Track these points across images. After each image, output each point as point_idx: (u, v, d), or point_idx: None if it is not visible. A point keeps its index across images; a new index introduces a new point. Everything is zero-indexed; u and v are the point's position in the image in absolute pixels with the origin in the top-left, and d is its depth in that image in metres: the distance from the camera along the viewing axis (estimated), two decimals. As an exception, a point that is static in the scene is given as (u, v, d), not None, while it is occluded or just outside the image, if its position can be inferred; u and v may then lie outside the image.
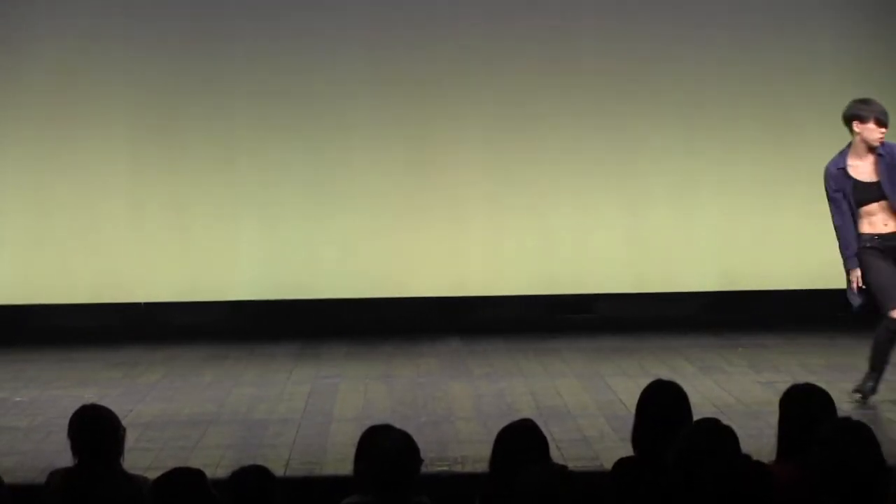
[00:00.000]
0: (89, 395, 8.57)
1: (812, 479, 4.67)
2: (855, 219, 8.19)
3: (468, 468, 6.92)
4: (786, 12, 11.72)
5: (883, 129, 8.14)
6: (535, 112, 11.56)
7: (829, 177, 8.22)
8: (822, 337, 10.96)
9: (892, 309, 8.06)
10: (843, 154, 8.23)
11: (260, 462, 5.30)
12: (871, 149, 8.17)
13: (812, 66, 11.66)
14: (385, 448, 5.02)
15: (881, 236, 8.19)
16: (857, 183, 8.17)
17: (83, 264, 11.48)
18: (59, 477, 5.65)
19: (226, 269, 11.58)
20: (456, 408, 8.73)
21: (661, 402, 5.51)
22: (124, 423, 5.65)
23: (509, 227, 11.56)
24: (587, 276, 11.61)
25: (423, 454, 5.06)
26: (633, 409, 5.53)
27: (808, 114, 11.52)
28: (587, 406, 8.60)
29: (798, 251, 11.58)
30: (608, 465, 5.77)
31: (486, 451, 5.41)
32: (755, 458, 4.77)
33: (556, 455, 5.55)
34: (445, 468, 6.97)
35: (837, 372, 9.32)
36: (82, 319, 11.57)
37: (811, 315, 11.53)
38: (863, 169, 8.19)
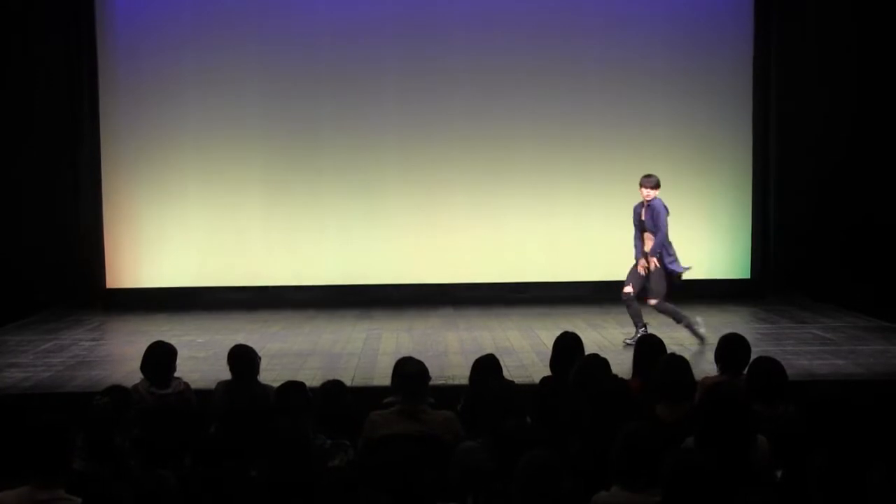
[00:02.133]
0: (239, 338, 8.62)
1: (653, 388, 4.72)
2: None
3: (457, 382, 6.90)
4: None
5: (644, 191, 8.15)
6: (516, 147, 11.22)
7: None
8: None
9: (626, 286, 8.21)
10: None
11: (337, 378, 5.31)
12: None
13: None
14: (409, 370, 5.05)
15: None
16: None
17: (235, 260, 11.41)
18: (223, 386, 5.69)
19: (317, 264, 11.51)
20: (449, 347, 8.71)
21: (567, 344, 5.55)
22: (260, 354, 5.67)
23: (483, 241, 11.50)
24: (524, 271, 11.52)
25: (430, 373, 5.07)
26: (549, 348, 5.55)
27: (658, 161, 11.39)
28: (524, 347, 8.59)
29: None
30: (536, 381, 5.78)
31: (466, 372, 5.43)
32: (619, 376, 4.80)
33: (507, 374, 5.54)
34: (443, 382, 6.95)
35: (667, 327, 9.33)
36: (235, 295, 11.46)
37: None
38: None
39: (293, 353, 8.44)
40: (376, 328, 9.88)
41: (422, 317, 10.61)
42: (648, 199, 8.21)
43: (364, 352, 8.49)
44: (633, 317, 8.41)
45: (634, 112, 11.36)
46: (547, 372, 5.65)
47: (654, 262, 8.24)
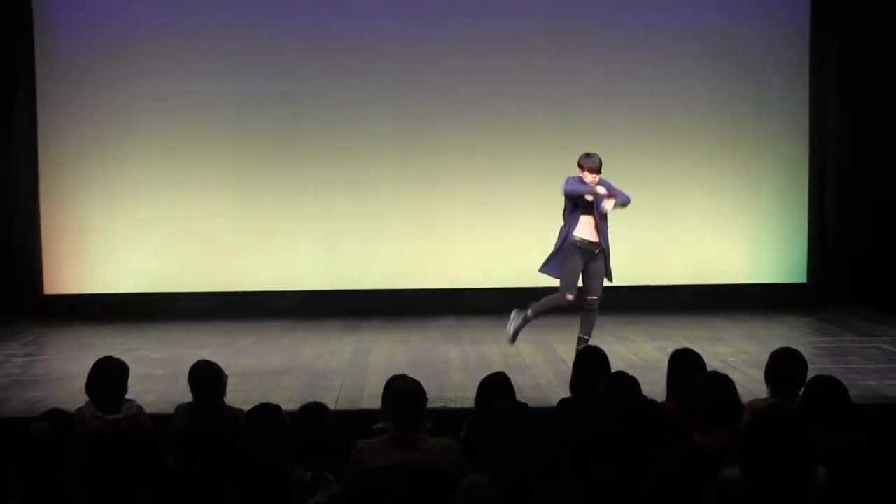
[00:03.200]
0: (203, 354, 8.59)
1: (690, 412, 4.68)
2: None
3: (459, 405, 6.91)
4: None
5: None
6: (518, 142, 11.30)
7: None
8: (698, 318, 10.93)
9: (566, 293, 8.15)
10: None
11: (318, 400, 5.28)
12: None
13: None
14: (402, 390, 5.01)
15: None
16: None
17: (200, 264, 11.44)
18: (183, 409, 5.65)
19: (296, 268, 11.54)
20: (451, 364, 8.73)
21: (590, 360, 5.52)
22: (227, 372, 5.65)
23: (490, 243, 11.52)
24: (538, 274, 11.53)
25: (428, 395, 5.04)
26: (570, 365, 5.53)
27: (692, 152, 11.40)
28: (539, 363, 8.60)
29: (685, 253, 11.51)
30: (554, 403, 5.76)
31: (471, 393, 5.41)
32: (651, 397, 4.78)
33: (519, 396, 5.53)
34: (443, 405, 6.96)
35: (707, 341, 9.33)
36: (199, 303, 11.52)
37: (695, 304, 11.52)
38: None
39: (267, 370, 8.45)
40: (365, 341, 9.88)
41: (418, 328, 10.64)
42: (592, 181, 8.07)
43: (351, 369, 8.49)
44: (589, 327, 8.33)
45: (669, 96, 11.43)
46: (566, 393, 5.62)
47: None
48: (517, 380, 7.21)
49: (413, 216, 11.47)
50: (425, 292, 11.55)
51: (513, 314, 8.55)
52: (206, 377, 5.61)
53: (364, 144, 11.40)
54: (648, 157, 11.41)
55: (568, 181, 8.11)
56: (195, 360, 5.74)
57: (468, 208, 11.46)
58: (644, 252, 11.50)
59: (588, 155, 8.18)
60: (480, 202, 11.45)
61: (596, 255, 8.29)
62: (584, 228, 8.22)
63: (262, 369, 8.47)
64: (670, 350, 5.46)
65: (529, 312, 8.48)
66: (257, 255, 11.43)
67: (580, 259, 8.25)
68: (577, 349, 8.16)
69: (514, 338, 8.51)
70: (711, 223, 11.53)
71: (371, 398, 7.07)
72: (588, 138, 11.31)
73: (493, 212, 11.42)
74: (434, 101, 11.43)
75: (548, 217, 11.49)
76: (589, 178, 8.15)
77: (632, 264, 11.48)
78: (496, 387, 5.31)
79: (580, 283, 8.33)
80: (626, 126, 11.43)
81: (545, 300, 8.40)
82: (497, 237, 11.51)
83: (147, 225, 11.32)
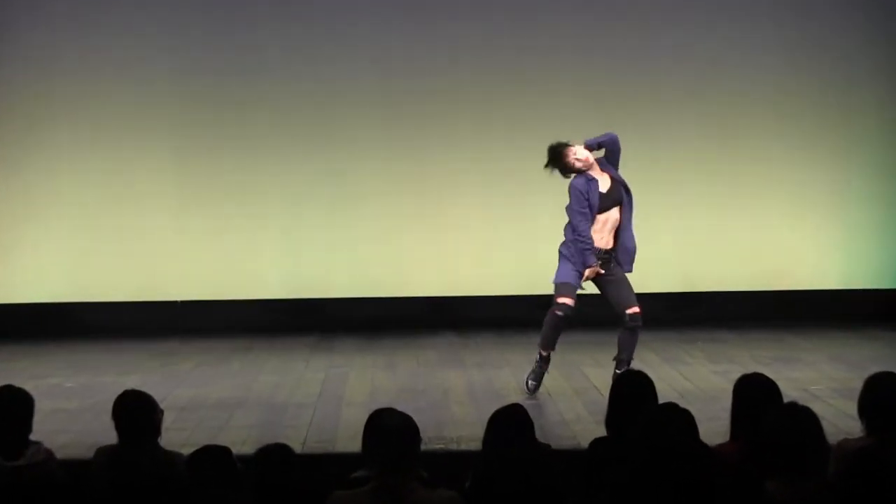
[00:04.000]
0: (132, 382, 8.54)
1: (761, 456, 4.66)
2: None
3: (463, 447, 6.89)
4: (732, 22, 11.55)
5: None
6: (525, 125, 11.33)
7: (582, 191, 8.29)
8: (770, 333, 10.94)
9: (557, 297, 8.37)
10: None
11: (280, 441, 5.27)
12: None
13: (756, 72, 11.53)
14: (389, 428, 4.98)
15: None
16: (601, 194, 8.36)
17: (127, 267, 11.44)
18: (105, 453, 5.63)
19: (250, 272, 11.54)
20: (451, 393, 8.72)
21: (631, 389, 5.50)
22: (162, 406, 5.63)
23: (499, 234, 11.51)
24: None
25: (422, 434, 5.03)
26: (606, 395, 5.51)
27: (758, 123, 11.42)
28: (566, 392, 8.59)
29: (747, 256, 11.54)
30: (585, 444, 5.75)
31: (478, 431, 5.39)
32: (711, 437, 4.77)
33: (539, 435, 5.52)
34: (442, 447, 6.94)
35: (783, 363, 9.32)
36: (130, 315, 11.51)
37: (761, 314, 11.52)
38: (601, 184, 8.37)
39: (214, 403, 8.44)
40: (340, 364, 9.89)
41: (408, 347, 10.65)
42: (589, 164, 8.30)
43: (322, 401, 8.49)
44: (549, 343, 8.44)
45: (727, 59, 11.45)
46: (599, 430, 5.61)
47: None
48: (537, 414, 7.16)
49: (403, 208, 11.49)
50: (416, 302, 11.56)
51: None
52: (136, 412, 5.59)
53: (338, 124, 11.43)
54: (700, 137, 11.44)
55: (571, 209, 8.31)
56: (121, 391, 5.73)
57: (470, 200, 11.52)
58: (697, 251, 11.53)
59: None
60: (486, 192, 11.50)
61: (611, 263, 8.43)
62: (598, 231, 8.36)
63: (208, 402, 8.45)
64: (735, 375, 5.44)
65: (540, 352, 8.52)
66: (202, 257, 11.44)
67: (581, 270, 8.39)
68: (615, 374, 8.14)
69: (531, 387, 8.48)
70: (783, 214, 11.55)
71: (348, 438, 7.04)
72: (619, 107, 11.29)
73: (502, 204, 11.43)
74: (421, 69, 11.49)
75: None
76: (579, 154, 8.29)
77: (683, 265, 11.49)
78: (510, 423, 5.28)
79: (609, 299, 8.48)
80: (671, 95, 11.44)
81: (543, 325, 8.50)
82: (508, 233, 11.50)
83: (59, 220, 11.32)
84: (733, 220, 11.55)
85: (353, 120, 11.50)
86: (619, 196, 8.38)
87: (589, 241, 8.33)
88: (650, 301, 11.69)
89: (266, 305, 11.62)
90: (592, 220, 8.35)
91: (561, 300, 8.45)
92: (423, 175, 11.52)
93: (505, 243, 11.47)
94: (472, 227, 11.54)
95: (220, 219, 11.47)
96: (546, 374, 8.56)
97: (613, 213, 8.39)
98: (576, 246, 8.34)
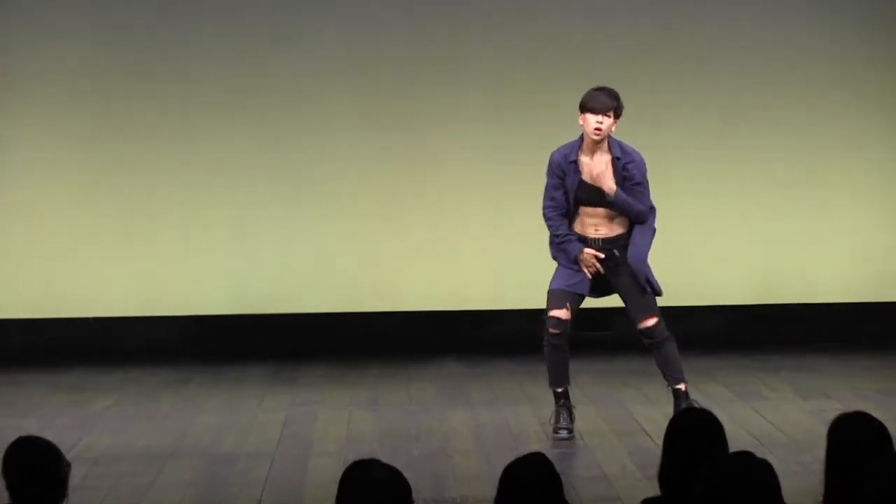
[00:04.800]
0: (28, 426, 8.52)
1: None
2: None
3: (470, 510, 6.88)
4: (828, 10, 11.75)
5: (598, 118, 8.41)
6: (546, 101, 11.47)
7: (554, 165, 8.60)
8: (876, 358, 10.95)
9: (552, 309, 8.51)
10: (573, 146, 8.55)
11: (227, 502, 5.27)
12: (605, 149, 8.51)
13: (852, 59, 11.66)
14: (371, 486, 4.98)
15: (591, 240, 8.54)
16: (582, 182, 8.50)
17: (26, 275, 11.44)
18: (-7, 520, 5.62)
19: (187, 280, 11.54)
20: (453, 439, 8.73)
21: (692, 434, 5.48)
22: (69, 456, 5.61)
23: (514, 231, 11.50)
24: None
25: (415, 494, 5.02)
26: (659, 441, 5.51)
27: (852, 111, 11.55)
28: (606, 437, 8.61)
29: (848, 259, 11.56)
30: (630, 507, 5.76)
31: (488, 490, 5.38)
32: (798, 496, 4.76)
33: (571, 495, 5.52)
34: (442, 510, 6.93)
35: (894, 398, 9.30)
36: (24, 336, 11.51)
37: (864, 332, 11.51)
38: (590, 168, 8.51)
39: (139, 453, 8.45)
40: (306, 401, 9.92)
41: (397, 377, 10.69)
42: (600, 133, 8.41)
43: (282, 450, 8.50)
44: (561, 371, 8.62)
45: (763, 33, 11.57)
46: (649, 488, 5.62)
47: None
48: (567, 467, 7.14)
49: (385, 200, 11.53)
50: (407, 319, 11.58)
51: None
52: (33, 466, 5.58)
53: (303, 95, 11.50)
54: (790, 132, 11.57)
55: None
56: (14, 437, 5.72)
57: (477, 191, 11.57)
58: (781, 251, 11.57)
59: (598, 90, 8.48)
60: (496, 182, 11.54)
61: (614, 263, 8.58)
62: (585, 224, 8.59)
63: (131, 452, 8.46)
64: (831, 415, 5.42)
65: (554, 390, 8.67)
66: (121, 261, 11.45)
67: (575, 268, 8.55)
68: (676, 406, 8.14)
69: (564, 435, 8.49)
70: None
71: (316, 501, 7.05)
72: (665, 85, 11.36)
73: (517, 196, 11.42)
74: (409, 33, 11.57)
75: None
76: (592, 121, 8.39)
77: (761, 270, 11.49)
78: (530, 480, 5.28)
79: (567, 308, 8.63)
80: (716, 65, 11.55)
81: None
82: (524, 232, 11.49)
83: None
84: (831, 212, 11.58)
85: (322, 92, 11.51)
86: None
87: (555, 226, 8.56)
88: (717, 316, 11.79)
89: (208, 324, 11.63)
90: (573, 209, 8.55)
91: (550, 314, 8.54)
92: (416, 161, 11.53)
93: (521, 245, 11.44)
94: (480, 224, 11.55)
95: (146, 214, 11.47)
96: (574, 411, 8.55)
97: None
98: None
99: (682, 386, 8.51)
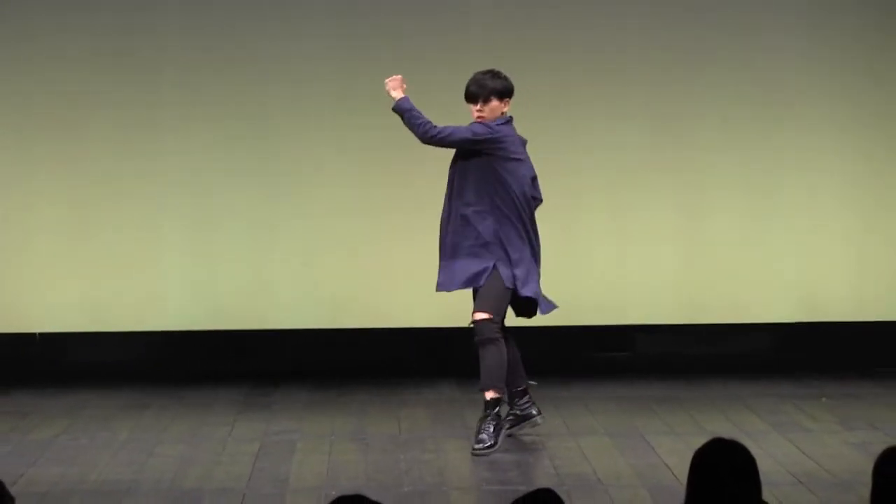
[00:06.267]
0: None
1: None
2: None
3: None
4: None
5: (474, 106, 9.35)
6: (559, 99, 11.57)
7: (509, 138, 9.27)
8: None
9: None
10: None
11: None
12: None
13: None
14: (355, 527, 5.01)
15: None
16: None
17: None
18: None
19: (147, 291, 11.57)
20: (449, 474, 8.74)
21: (722, 470, 5.51)
22: (12, 491, 5.64)
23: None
24: (625, 303, 11.64)
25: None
26: (683, 478, 5.53)
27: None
28: (623, 474, 8.62)
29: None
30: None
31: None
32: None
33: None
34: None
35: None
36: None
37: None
38: None
39: (91, 488, 8.46)
40: (283, 430, 9.95)
41: (387, 402, 10.74)
42: (483, 119, 9.32)
43: (254, 486, 8.52)
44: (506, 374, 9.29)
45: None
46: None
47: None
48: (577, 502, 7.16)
49: (373, 200, 11.60)
50: (398, 337, 11.64)
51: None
52: (-29, 502, 5.60)
53: (275, 82, 11.61)
54: (838, 130, 11.68)
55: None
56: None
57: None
58: (824, 264, 11.65)
59: (472, 80, 9.41)
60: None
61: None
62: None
63: (82, 486, 8.48)
64: (879, 448, 5.45)
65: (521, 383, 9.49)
66: (71, 270, 11.48)
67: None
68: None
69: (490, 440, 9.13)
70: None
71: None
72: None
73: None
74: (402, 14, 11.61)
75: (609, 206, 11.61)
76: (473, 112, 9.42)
77: (803, 284, 11.54)
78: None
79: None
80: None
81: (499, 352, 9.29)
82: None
83: None
84: (883, 219, 11.64)
85: (295, 76, 11.59)
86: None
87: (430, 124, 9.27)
88: (749, 335, 11.80)
89: (169, 340, 11.66)
90: None
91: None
92: (406, 170, 11.55)
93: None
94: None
95: (100, 215, 11.50)
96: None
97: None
98: None
99: (487, 394, 9.12)
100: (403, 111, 9.16)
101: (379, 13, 11.69)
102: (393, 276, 11.59)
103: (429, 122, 9.11)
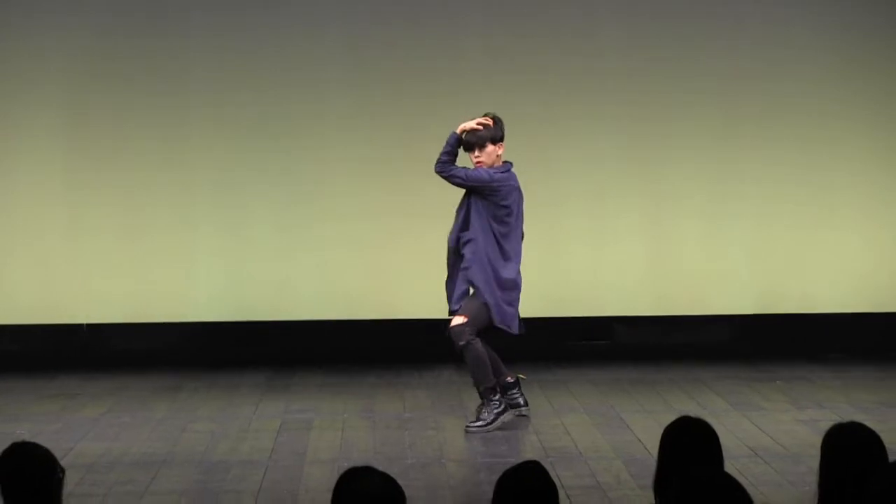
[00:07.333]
0: (21, 432, 8.53)
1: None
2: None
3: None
4: (825, 22, 11.79)
5: (474, 155, 9.37)
6: (545, 112, 11.52)
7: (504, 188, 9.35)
8: (873, 369, 10.96)
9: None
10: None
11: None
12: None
13: (852, 73, 11.70)
14: (365, 495, 4.99)
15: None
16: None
17: (16, 280, 11.44)
18: (-13, 527, 5.64)
19: (181, 286, 11.53)
20: (448, 448, 8.72)
21: (688, 444, 5.49)
22: (63, 463, 5.64)
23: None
24: (601, 297, 11.59)
25: (409, 502, 5.04)
26: (654, 452, 5.52)
27: (848, 123, 11.57)
28: (601, 447, 8.59)
29: (846, 270, 11.56)
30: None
31: (484, 499, 5.40)
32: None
33: (565, 501, 5.53)
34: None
35: (890, 409, 9.31)
36: (15, 343, 11.53)
37: (861, 343, 11.52)
38: None
39: (132, 461, 8.44)
40: (301, 409, 9.92)
41: (393, 385, 10.69)
42: (482, 165, 9.39)
43: (276, 458, 8.50)
44: (491, 374, 9.28)
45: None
46: (644, 498, 5.62)
47: None
48: (562, 476, 7.14)
49: (382, 201, 11.52)
50: (404, 327, 11.58)
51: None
52: (27, 473, 5.60)
53: (295, 93, 11.51)
54: (783, 136, 11.64)
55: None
56: (7, 444, 5.74)
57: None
58: (777, 262, 11.62)
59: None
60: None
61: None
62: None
63: (124, 459, 8.46)
64: (826, 425, 5.44)
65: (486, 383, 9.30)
66: (113, 266, 11.44)
67: None
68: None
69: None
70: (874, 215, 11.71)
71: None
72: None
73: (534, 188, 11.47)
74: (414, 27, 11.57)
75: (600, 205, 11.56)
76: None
77: (756, 281, 11.51)
78: (525, 490, 5.29)
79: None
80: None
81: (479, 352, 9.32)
82: (526, 236, 11.52)
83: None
84: (832, 223, 11.61)
85: (317, 89, 11.53)
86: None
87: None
88: (711, 326, 11.79)
89: (201, 331, 11.62)
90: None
91: None
92: (414, 168, 11.48)
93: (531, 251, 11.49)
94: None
95: (140, 220, 11.46)
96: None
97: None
98: None
99: (480, 388, 9.16)
100: (445, 142, 9.24)
101: (391, 41, 11.63)
102: (400, 273, 11.55)
103: (447, 161, 9.20)
